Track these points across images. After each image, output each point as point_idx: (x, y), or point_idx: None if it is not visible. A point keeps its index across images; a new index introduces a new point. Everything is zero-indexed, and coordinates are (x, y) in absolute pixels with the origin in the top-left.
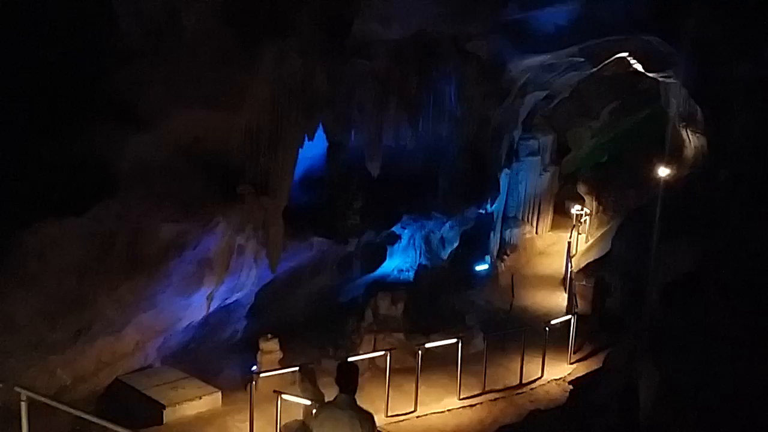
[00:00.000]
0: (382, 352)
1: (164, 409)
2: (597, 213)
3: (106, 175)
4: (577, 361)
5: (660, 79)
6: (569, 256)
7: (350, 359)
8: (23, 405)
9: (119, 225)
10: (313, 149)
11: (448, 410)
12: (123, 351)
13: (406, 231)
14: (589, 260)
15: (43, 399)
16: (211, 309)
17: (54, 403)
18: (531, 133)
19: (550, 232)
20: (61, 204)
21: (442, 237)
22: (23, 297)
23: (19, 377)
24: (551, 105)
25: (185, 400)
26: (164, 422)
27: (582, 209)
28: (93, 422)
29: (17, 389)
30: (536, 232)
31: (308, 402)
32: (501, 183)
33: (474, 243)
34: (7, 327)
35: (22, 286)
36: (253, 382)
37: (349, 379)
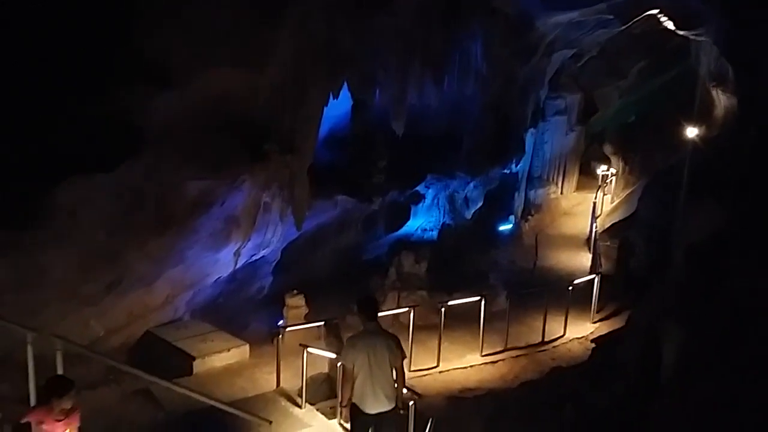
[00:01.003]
0: (406, 309)
1: (194, 360)
2: (623, 173)
3: (135, 133)
4: (600, 320)
5: (691, 37)
6: (594, 217)
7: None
8: (59, 354)
9: (148, 182)
10: (338, 108)
11: (471, 366)
12: (154, 304)
13: (430, 190)
14: (614, 221)
15: (78, 348)
16: (238, 265)
17: (88, 352)
18: (558, 93)
19: (575, 193)
20: (90, 161)
21: (466, 197)
22: (56, 251)
23: (55, 327)
24: (579, 64)
25: (214, 352)
26: (194, 373)
27: (608, 170)
28: (126, 371)
29: (53, 338)
30: (561, 193)
31: (333, 355)
32: (526, 143)
33: (498, 203)
34: (42, 279)
35: (55, 240)
36: (280, 336)
37: (371, 308)
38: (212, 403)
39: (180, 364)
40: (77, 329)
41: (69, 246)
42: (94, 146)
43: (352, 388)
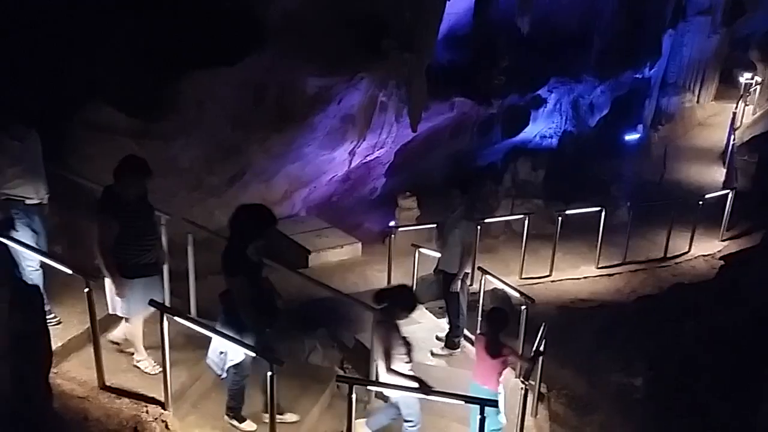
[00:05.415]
0: (520, 216)
1: (309, 254)
2: None
3: (255, 26)
4: (730, 238)
5: None
6: (732, 129)
7: (487, 220)
8: (189, 237)
9: (269, 77)
10: (460, 4)
11: (584, 277)
12: (273, 198)
13: (552, 94)
14: (754, 134)
15: (206, 231)
16: (353, 165)
17: (216, 236)
18: None
19: (713, 102)
20: (214, 54)
21: (591, 102)
22: (184, 142)
23: (183, 215)
24: None
25: (328, 248)
26: (309, 266)
27: (752, 78)
28: None
29: (184, 222)
30: (697, 102)
31: None
32: (663, 45)
33: (626, 110)
34: (171, 169)
35: (183, 132)
36: (392, 235)
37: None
38: (329, 292)
39: (296, 256)
40: (203, 218)
41: (195, 137)
42: (216, 39)
43: None
